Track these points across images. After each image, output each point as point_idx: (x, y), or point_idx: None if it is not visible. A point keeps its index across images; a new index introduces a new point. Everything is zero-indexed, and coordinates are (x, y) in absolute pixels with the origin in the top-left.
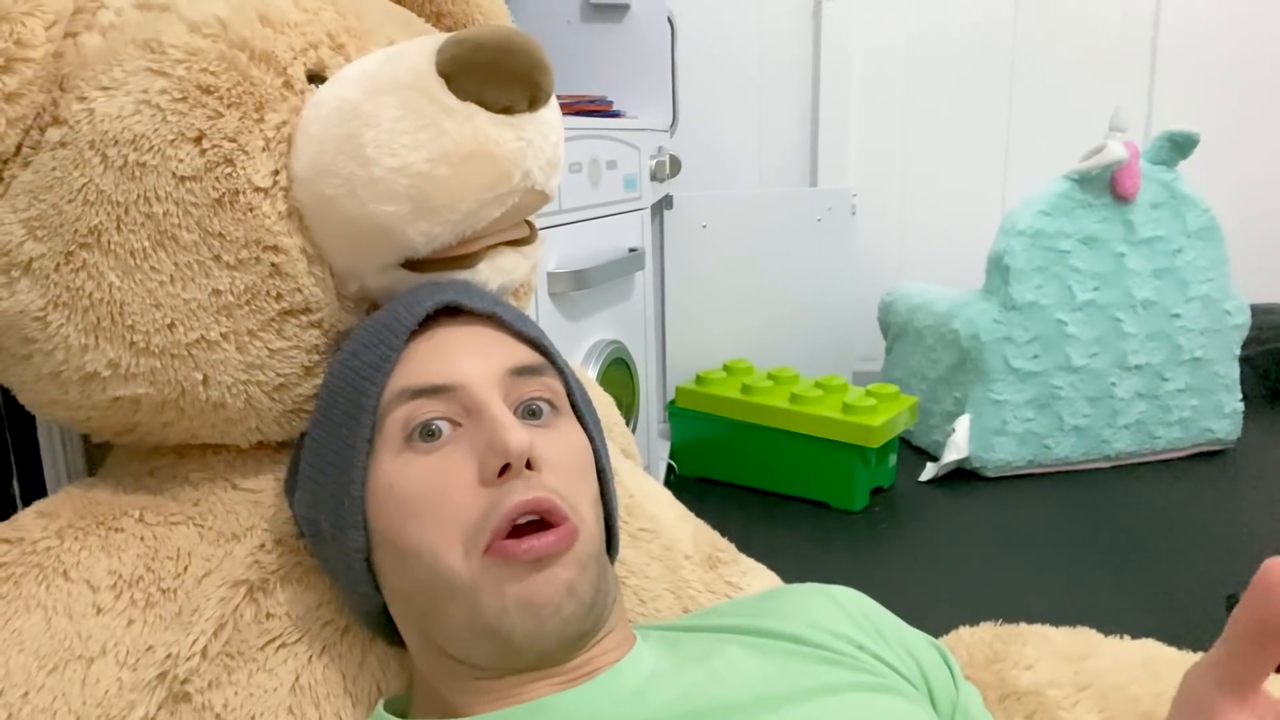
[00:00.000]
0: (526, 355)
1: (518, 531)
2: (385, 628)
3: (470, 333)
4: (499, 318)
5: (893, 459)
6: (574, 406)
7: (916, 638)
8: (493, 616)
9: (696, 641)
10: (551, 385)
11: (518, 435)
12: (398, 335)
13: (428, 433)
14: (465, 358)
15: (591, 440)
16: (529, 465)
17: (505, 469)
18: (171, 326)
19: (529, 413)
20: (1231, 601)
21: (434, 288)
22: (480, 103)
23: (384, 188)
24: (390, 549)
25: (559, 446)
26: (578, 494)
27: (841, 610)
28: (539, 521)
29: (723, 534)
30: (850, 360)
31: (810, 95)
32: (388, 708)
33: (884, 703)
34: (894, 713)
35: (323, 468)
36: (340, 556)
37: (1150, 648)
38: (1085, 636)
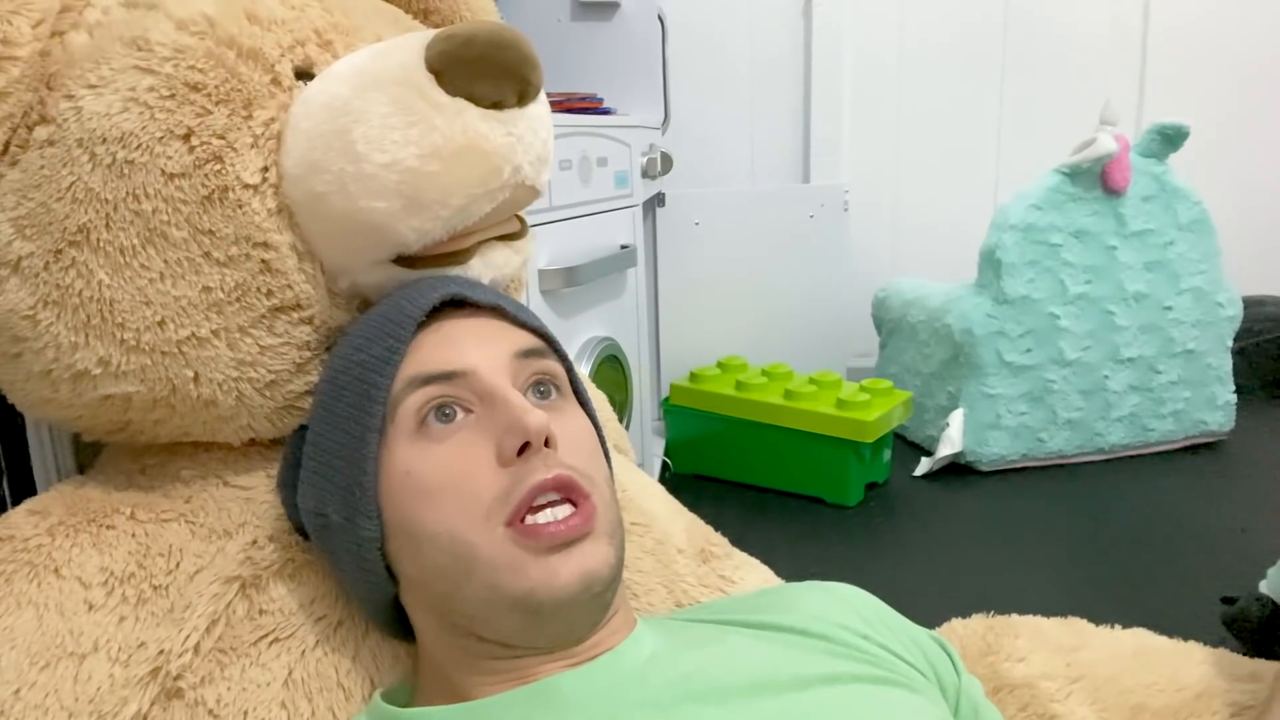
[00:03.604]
0: (531, 340)
1: (539, 511)
2: (390, 618)
3: (476, 323)
4: (502, 309)
5: (887, 454)
6: (576, 394)
7: (918, 631)
8: (517, 594)
9: (699, 630)
10: (554, 369)
11: (535, 415)
12: (405, 328)
13: (442, 414)
14: (473, 345)
15: (595, 428)
16: (547, 443)
17: (524, 448)
18: (162, 324)
19: (537, 393)
20: (1226, 602)
21: (436, 281)
22: (470, 98)
23: (374, 184)
24: (406, 535)
25: (571, 427)
26: (593, 469)
27: (845, 604)
28: (557, 500)
29: (718, 530)
30: (844, 356)
31: (802, 92)
32: (385, 699)
33: (885, 694)
34: (895, 704)
35: (330, 461)
36: (351, 547)
37: (1142, 638)
38: (1077, 627)
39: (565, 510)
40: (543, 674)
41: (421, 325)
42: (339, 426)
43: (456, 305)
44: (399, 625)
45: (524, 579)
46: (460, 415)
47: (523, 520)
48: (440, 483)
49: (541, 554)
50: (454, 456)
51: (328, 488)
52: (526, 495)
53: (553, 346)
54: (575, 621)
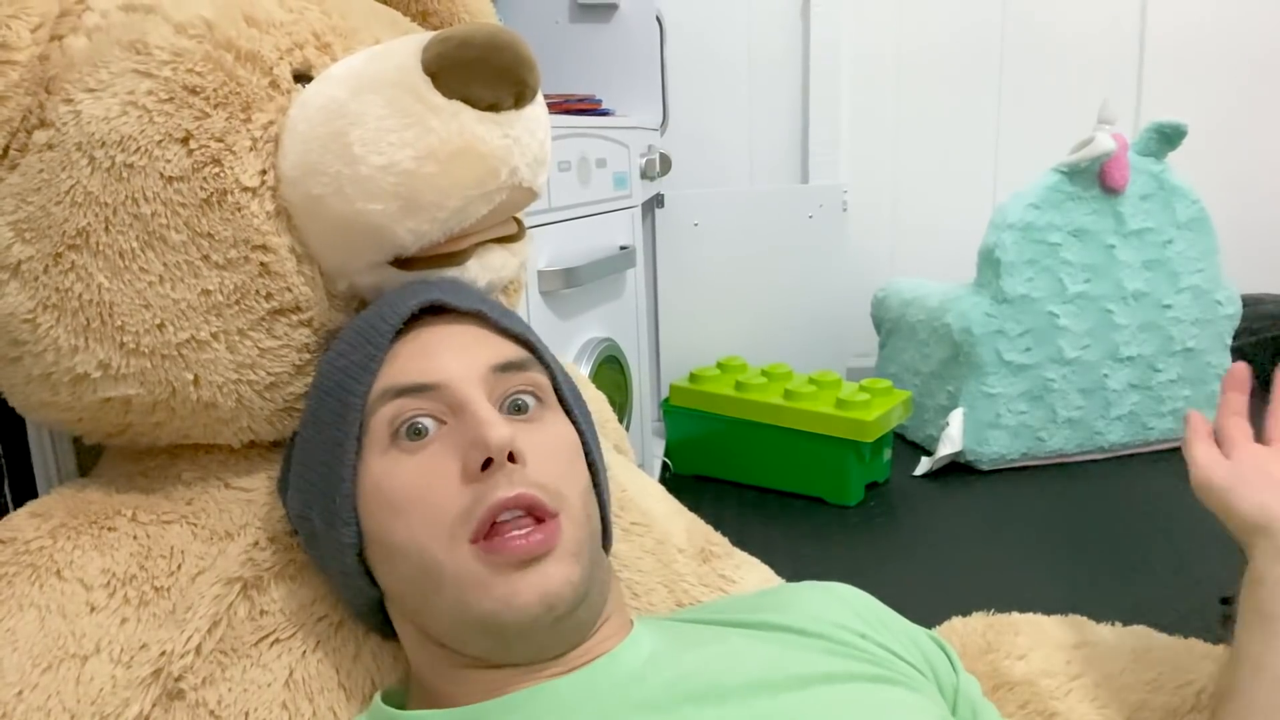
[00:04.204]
0: (510, 351)
1: (503, 527)
2: (380, 622)
3: (455, 331)
4: (484, 315)
5: (887, 454)
6: (562, 401)
7: (916, 630)
8: (481, 614)
9: (697, 631)
10: (536, 380)
11: (499, 430)
12: (383, 335)
13: (413, 431)
14: (448, 356)
15: (581, 433)
16: (512, 459)
17: (488, 464)
18: (161, 327)
19: (514, 408)
20: (1225, 602)
21: (420, 286)
22: (466, 100)
23: (371, 186)
24: (380, 546)
25: (544, 438)
26: (565, 484)
27: (844, 603)
28: (524, 516)
29: (718, 530)
30: (844, 356)
31: (800, 92)
32: (385, 700)
33: (883, 693)
34: (893, 702)
35: (313, 466)
36: (334, 553)
37: (1143, 635)
38: (1078, 624)
39: (529, 525)
40: (533, 681)
41: (401, 332)
42: (321, 433)
43: (437, 311)
44: (390, 627)
45: (487, 599)
46: (433, 429)
47: (487, 537)
48: (407, 496)
49: (503, 570)
50: (422, 470)
51: (311, 493)
52: (487, 513)
53: (536, 353)
54: (544, 644)
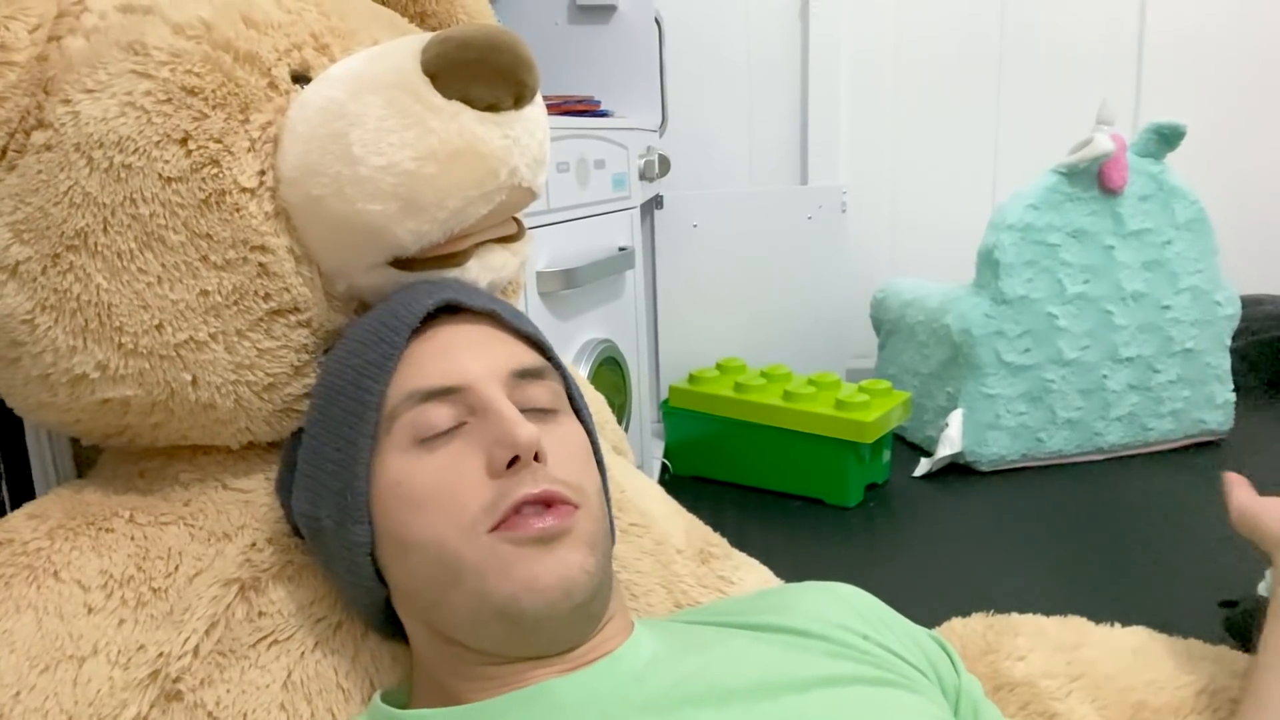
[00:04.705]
0: (528, 357)
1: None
2: (383, 621)
3: (471, 331)
4: (498, 315)
5: (886, 455)
6: (572, 402)
7: (918, 630)
8: (501, 600)
9: (698, 633)
10: (553, 387)
11: (526, 428)
12: (399, 334)
13: (433, 430)
14: (469, 357)
15: (590, 434)
16: (536, 457)
17: (514, 461)
18: (160, 327)
19: (532, 409)
20: (1225, 606)
21: (431, 286)
22: (466, 100)
23: (371, 187)
24: (396, 543)
25: (562, 439)
26: (583, 481)
27: (846, 604)
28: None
29: (717, 531)
30: (843, 357)
31: (799, 93)
32: (384, 700)
33: (885, 695)
34: (894, 705)
35: (324, 465)
36: (343, 552)
37: (1142, 636)
38: (1077, 625)
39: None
40: (537, 679)
41: (417, 331)
42: (333, 431)
43: (451, 311)
44: (394, 627)
45: (508, 582)
46: (454, 428)
47: (507, 520)
48: (429, 492)
49: (523, 546)
50: (444, 467)
51: (321, 492)
52: (512, 507)
53: (547, 355)
54: (558, 634)
